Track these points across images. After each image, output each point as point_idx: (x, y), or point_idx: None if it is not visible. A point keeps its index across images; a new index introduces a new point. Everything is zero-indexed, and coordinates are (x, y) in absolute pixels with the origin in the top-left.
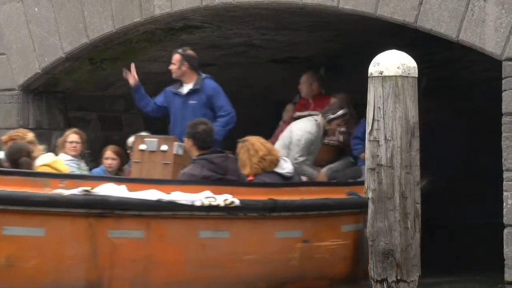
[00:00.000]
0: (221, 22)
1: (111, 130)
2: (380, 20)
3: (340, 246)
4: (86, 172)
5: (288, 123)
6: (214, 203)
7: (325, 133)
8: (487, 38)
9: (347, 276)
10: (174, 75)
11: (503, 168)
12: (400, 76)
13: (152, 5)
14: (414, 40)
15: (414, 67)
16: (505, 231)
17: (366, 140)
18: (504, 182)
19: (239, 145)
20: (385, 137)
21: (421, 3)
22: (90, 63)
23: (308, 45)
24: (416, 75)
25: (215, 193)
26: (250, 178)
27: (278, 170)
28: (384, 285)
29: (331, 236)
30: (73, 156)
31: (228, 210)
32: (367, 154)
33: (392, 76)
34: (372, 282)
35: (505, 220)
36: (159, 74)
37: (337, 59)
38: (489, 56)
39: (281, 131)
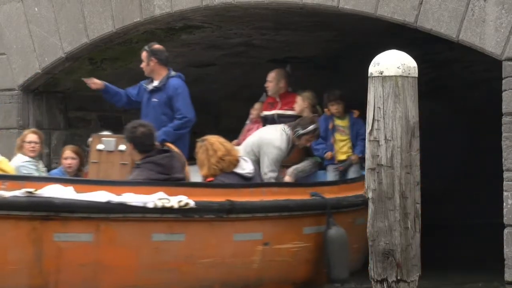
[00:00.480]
0: (221, 22)
1: (111, 130)
2: (380, 20)
3: (302, 248)
4: (44, 174)
5: (256, 122)
6: (167, 205)
7: (293, 146)
8: (487, 38)
9: (309, 280)
10: (145, 73)
11: (503, 168)
12: (400, 76)
13: (152, 5)
14: (414, 40)
15: (414, 67)
16: (505, 231)
17: (366, 140)
18: (504, 182)
19: (198, 144)
20: (385, 137)
21: (421, 3)
22: (90, 63)
23: (308, 45)
24: (416, 75)
25: (170, 194)
26: (210, 179)
27: (238, 170)
28: (384, 285)
29: (293, 239)
30: (31, 157)
31: (182, 212)
32: (367, 154)
33: (392, 76)
34: (372, 282)
35: (505, 220)
36: None
37: (337, 59)
38: (489, 56)
39: (248, 130)
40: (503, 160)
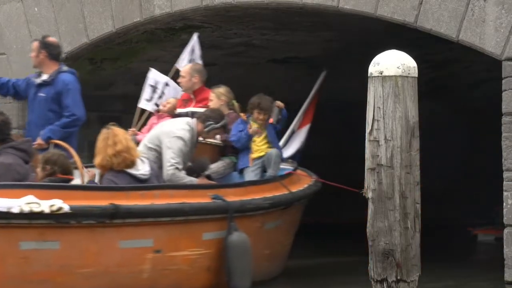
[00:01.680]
0: (221, 22)
1: None
2: (380, 20)
3: (201, 256)
4: None
5: (162, 116)
6: (37, 210)
7: (196, 140)
8: (487, 38)
9: None
10: (33, 64)
11: (503, 168)
12: (400, 76)
13: (152, 5)
14: (414, 40)
15: (414, 67)
16: (505, 231)
17: (366, 140)
18: (504, 182)
19: (103, 130)
20: (385, 137)
21: (421, 3)
22: (90, 63)
23: (308, 45)
24: (416, 75)
25: (44, 197)
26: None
27: (131, 171)
28: (384, 285)
29: (190, 245)
30: None
31: (56, 218)
32: (367, 154)
33: (392, 76)
34: (372, 282)
35: (505, 220)
36: None
37: (337, 59)
38: (489, 56)
39: (152, 124)
40: (503, 160)
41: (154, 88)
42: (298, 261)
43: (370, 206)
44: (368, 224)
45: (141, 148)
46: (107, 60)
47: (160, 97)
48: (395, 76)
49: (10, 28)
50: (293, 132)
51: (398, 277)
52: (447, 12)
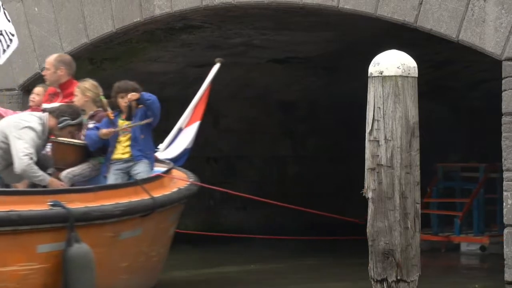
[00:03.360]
0: (221, 22)
1: None
2: (380, 20)
3: (35, 271)
4: None
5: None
6: None
7: (47, 136)
8: (487, 38)
9: None
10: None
11: (503, 168)
12: (400, 76)
13: (152, 5)
14: (414, 40)
15: (414, 67)
16: (505, 231)
17: (366, 140)
18: (504, 182)
19: None
20: (385, 137)
21: (421, 3)
22: (90, 63)
23: (308, 45)
24: (416, 75)
25: None
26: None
27: None
28: (384, 285)
29: (21, 259)
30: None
31: None
32: (367, 154)
33: (392, 76)
34: (372, 282)
35: (505, 220)
36: (159, 74)
37: (337, 59)
38: (489, 56)
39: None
40: (503, 160)
41: None
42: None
43: (370, 206)
44: (368, 224)
45: None
46: (107, 60)
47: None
48: (395, 76)
49: None
50: (180, 130)
51: (398, 277)
52: (447, 12)
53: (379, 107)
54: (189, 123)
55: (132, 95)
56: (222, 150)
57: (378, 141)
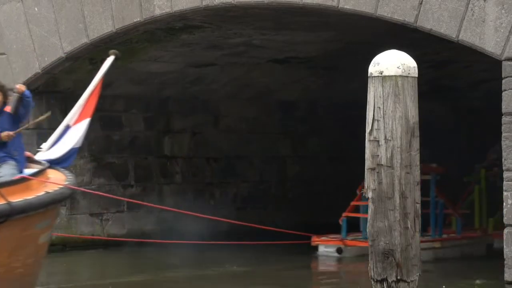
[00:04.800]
0: (221, 22)
1: (111, 129)
2: (380, 20)
3: None
4: None
5: None
6: None
7: None
8: (487, 38)
9: None
10: None
11: (503, 168)
12: (400, 76)
13: (152, 5)
14: (414, 40)
15: (414, 67)
16: (505, 231)
17: (366, 140)
18: (504, 182)
19: None
20: (385, 137)
21: (421, 3)
22: (90, 63)
23: (308, 45)
24: (416, 75)
25: None
26: None
27: None
28: (384, 285)
29: None
30: None
31: None
32: (367, 154)
33: (392, 76)
34: (372, 282)
35: (505, 220)
36: (159, 74)
37: (337, 59)
38: (489, 56)
39: None
40: (503, 160)
41: None
42: None
43: (370, 206)
44: (368, 224)
45: None
46: None
47: None
48: (395, 76)
49: (10, 28)
50: (67, 128)
51: (398, 277)
52: (447, 12)
53: (379, 107)
54: (77, 120)
55: (22, 86)
56: (222, 150)
57: (378, 141)
